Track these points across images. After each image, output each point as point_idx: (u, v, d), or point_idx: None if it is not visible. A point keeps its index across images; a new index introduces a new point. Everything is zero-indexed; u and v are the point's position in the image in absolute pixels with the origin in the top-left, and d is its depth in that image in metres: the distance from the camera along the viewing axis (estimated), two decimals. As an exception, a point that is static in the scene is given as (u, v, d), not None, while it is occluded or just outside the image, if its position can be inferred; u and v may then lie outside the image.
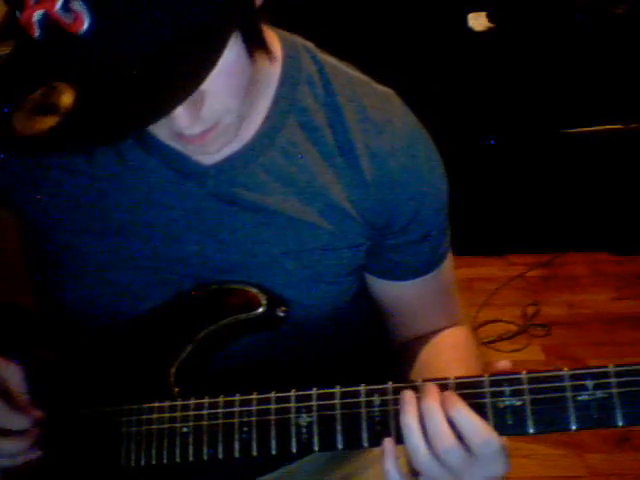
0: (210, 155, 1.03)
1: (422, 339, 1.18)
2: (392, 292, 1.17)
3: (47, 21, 0.79)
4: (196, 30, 0.81)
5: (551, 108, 3.00)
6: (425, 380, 0.91)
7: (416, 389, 0.90)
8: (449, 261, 1.19)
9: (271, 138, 1.05)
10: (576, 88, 2.96)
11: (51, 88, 0.81)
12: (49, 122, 0.80)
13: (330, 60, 1.10)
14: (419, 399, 0.89)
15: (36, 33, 0.80)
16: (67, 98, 0.80)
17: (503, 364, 0.90)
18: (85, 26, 0.78)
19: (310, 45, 1.10)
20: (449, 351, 1.15)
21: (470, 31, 2.98)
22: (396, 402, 0.91)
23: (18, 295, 1.25)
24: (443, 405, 0.87)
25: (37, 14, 0.79)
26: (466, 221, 2.91)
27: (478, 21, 2.98)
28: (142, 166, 1.06)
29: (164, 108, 0.81)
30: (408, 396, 0.89)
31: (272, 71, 1.05)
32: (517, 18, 2.96)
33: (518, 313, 2.93)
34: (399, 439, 0.90)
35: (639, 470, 2.28)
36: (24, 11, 0.80)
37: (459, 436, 0.87)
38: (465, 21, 2.99)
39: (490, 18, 2.97)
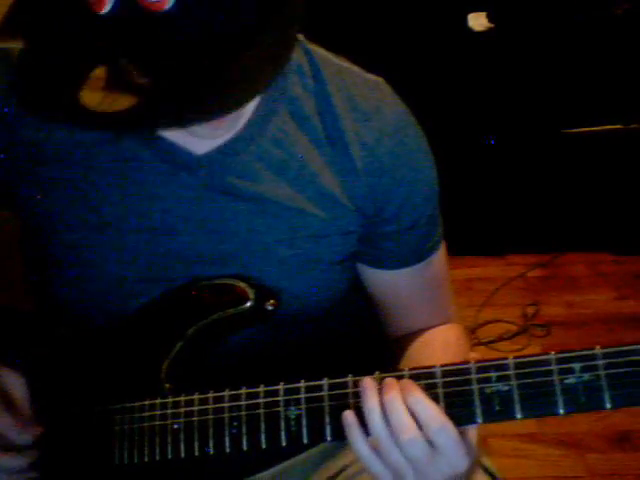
0: (211, 142, 1.04)
1: (413, 336, 1.18)
2: (381, 281, 1.18)
3: None
4: (278, 18, 0.81)
5: (551, 108, 3.00)
6: (412, 369, 0.91)
7: (400, 379, 0.89)
8: (441, 256, 1.19)
9: (262, 127, 1.06)
10: (576, 88, 2.96)
11: (117, 65, 0.80)
12: (127, 101, 0.79)
13: (320, 51, 1.11)
14: (380, 391, 0.88)
15: (106, 8, 0.79)
16: (138, 77, 0.79)
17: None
18: (168, 5, 0.77)
19: (300, 36, 1.10)
20: (440, 352, 1.14)
21: (470, 31, 2.98)
22: None
23: (18, 295, 1.25)
24: (402, 394, 0.87)
25: None
26: (466, 221, 2.94)
27: (478, 21, 2.98)
28: (135, 158, 1.06)
29: (244, 97, 0.82)
30: (368, 383, 0.89)
31: None
32: (517, 18, 2.96)
33: (518, 313, 2.93)
34: None
35: (639, 470, 2.27)
36: None
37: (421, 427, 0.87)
38: (465, 21, 2.99)
39: (490, 18, 2.97)
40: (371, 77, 1.12)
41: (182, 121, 0.86)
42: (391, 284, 1.18)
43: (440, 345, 1.15)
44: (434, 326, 1.19)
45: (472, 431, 0.88)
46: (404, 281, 1.17)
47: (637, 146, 2.97)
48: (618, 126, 2.99)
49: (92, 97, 0.80)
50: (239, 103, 0.83)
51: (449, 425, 0.85)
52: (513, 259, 3.20)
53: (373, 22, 2.93)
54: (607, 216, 3.08)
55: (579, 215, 3.11)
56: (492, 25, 2.96)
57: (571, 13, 2.90)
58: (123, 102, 0.79)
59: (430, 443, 0.86)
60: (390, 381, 0.89)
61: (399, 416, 0.86)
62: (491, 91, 3.01)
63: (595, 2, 2.89)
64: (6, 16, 0.87)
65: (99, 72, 0.80)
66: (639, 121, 2.97)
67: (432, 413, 0.86)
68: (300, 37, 1.10)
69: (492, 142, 3.06)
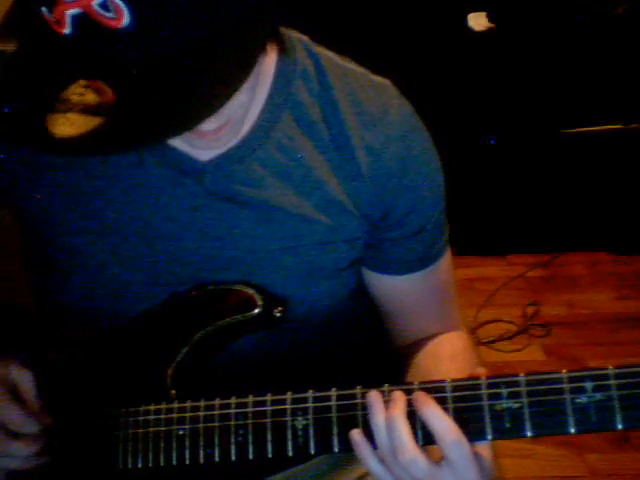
0: (216, 149, 1.03)
1: (420, 345, 1.17)
2: (387, 287, 1.17)
3: (82, 17, 0.77)
4: (237, 27, 0.80)
5: (551, 108, 3.00)
6: (422, 382, 0.90)
7: (409, 392, 0.89)
8: (447, 261, 1.18)
9: (266, 132, 1.05)
10: (576, 88, 2.96)
11: (80, 86, 0.79)
12: (89, 123, 0.78)
13: (326, 53, 1.10)
14: (386, 404, 0.88)
15: (66, 30, 0.79)
16: (101, 97, 0.79)
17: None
18: (124, 22, 0.77)
19: (305, 38, 1.10)
20: (448, 362, 1.13)
21: (470, 31, 2.98)
22: None
23: (18, 295, 1.25)
24: (415, 404, 0.87)
25: (72, 10, 0.77)
26: (466, 221, 2.94)
27: (478, 21, 2.98)
28: (139, 164, 1.06)
29: (212, 106, 0.81)
30: (375, 398, 0.89)
31: (267, 65, 1.05)
32: (517, 18, 2.96)
33: (518, 313, 2.93)
34: None
35: (639, 470, 2.27)
36: (56, 7, 0.78)
37: (427, 439, 0.86)
38: (465, 21, 2.99)
39: (490, 18, 2.97)
40: (377, 79, 1.11)
41: (149, 138, 0.84)
42: (396, 290, 1.17)
43: (448, 356, 1.14)
44: (440, 333, 1.18)
45: (486, 449, 0.87)
46: (410, 287, 1.16)
47: (637, 146, 2.98)
48: (618, 126, 2.99)
49: (60, 122, 0.80)
50: (205, 115, 0.81)
51: (463, 440, 0.84)
52: (513, 259, 3.20)
53: (373, 22, 2.93)
54: (607, 216, 3.09)
55: (579, 215, 3.11)
56: (492, 25, 2.96)
57: (571, 13, 2.90)
58: (85, 125, 0.78)
59: (433, 463, 0.86)
60: (397, 396, 0.88)
61: (399, 435, 0.86)
62: (491, 91, 3.01)
63: (595, 2, 2.89)
64: (5, 17, 0.86)
65: (66, 95, 0.80)
66: (639, 121, 2.98)
67: (447, 427, 0.85)
68: (304, 38, 1.10)
69: (492, 142, 3.06)
